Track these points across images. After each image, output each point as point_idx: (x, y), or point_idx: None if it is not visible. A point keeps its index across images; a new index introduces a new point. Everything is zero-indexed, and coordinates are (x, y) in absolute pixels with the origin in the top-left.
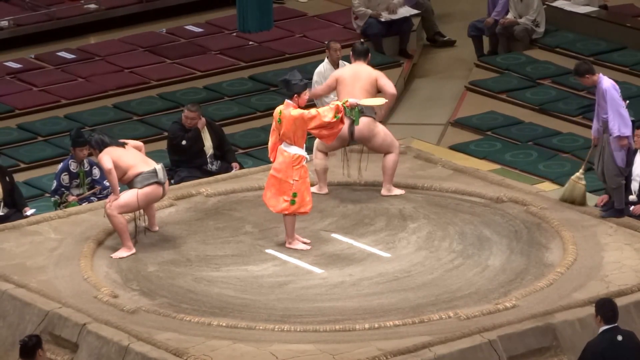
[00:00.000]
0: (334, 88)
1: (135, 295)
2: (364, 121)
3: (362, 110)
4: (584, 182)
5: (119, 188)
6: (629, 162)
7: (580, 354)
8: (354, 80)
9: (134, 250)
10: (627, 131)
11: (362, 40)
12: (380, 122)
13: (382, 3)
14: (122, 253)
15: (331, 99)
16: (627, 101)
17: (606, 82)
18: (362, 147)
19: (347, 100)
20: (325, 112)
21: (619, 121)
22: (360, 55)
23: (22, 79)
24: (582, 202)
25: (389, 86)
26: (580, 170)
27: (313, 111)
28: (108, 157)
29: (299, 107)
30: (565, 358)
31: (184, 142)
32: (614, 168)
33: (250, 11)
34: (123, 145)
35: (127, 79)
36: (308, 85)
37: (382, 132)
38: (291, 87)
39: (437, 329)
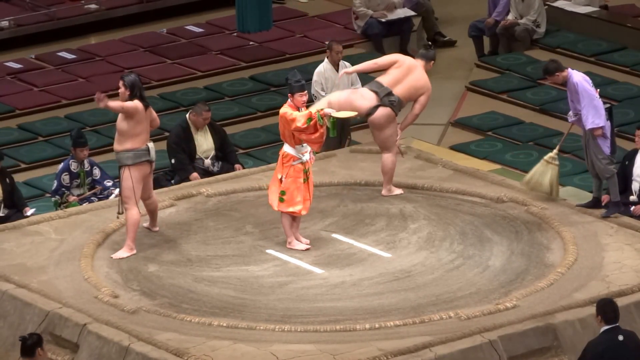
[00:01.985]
0: (385, 66)
1: (136, 295)
2: (384, 111)
3: (394, 100)
4: (557, 162)
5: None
6: (614, 150)
7: (580, 354)
8: (407, 74)
9: (134, 252)
10: (600, 122)
11: (429, 43)
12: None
13: (382, 3)
14: (123, 253)
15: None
16: (599, 89)
17: (577, 76)
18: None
19: (322, 109)
20: (300, 117)
21: (592, 113)
22: (424, 57)
23: (23, 79)
24: (553, 187)
25: (419, 107)
26: (555, 150)
27: (295, 114)
28: (135, 107)
29: (296, 107)
30: (565, 358)
31: (173, 161)
32: (603, 158)
33: (250, 11)
34: (147, 106)
35: None
36: (305, 87)
37: (392, 129)
38: (288, 86)
39: (438, 329)
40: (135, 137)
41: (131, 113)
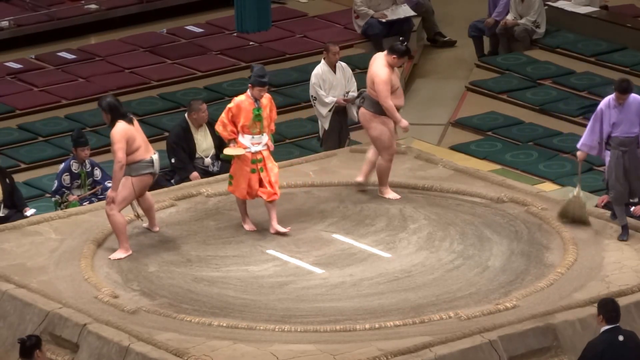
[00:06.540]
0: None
1: (136, 295)
2: (360, 113)
3: (363, 98)
4: (583, 201)
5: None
6: None
7: (580, 354)
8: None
9: (130, 252)
10: None
11: (401, 38)
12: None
13: (382, 3)
14: (120, 254)
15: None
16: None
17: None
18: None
19: (236, 144)
20: (220, 130)
21: None
22: (386, 49)
23: (23, 79)
24: (583, 218)
25: (377, 94)
26: (577, 189)
27: (224, 119)
28: (123, 144)
29: (253, 98)
30: (565, 358)
31: (173, 160)
32: None
33: (248, 11)
34: (131, 121)
35: (128, 79)
36: (266, 85)
37: (378, 129)
38: (251, 77)
39: (438, 329)
40: (134, 152)
41: (122, 151)
